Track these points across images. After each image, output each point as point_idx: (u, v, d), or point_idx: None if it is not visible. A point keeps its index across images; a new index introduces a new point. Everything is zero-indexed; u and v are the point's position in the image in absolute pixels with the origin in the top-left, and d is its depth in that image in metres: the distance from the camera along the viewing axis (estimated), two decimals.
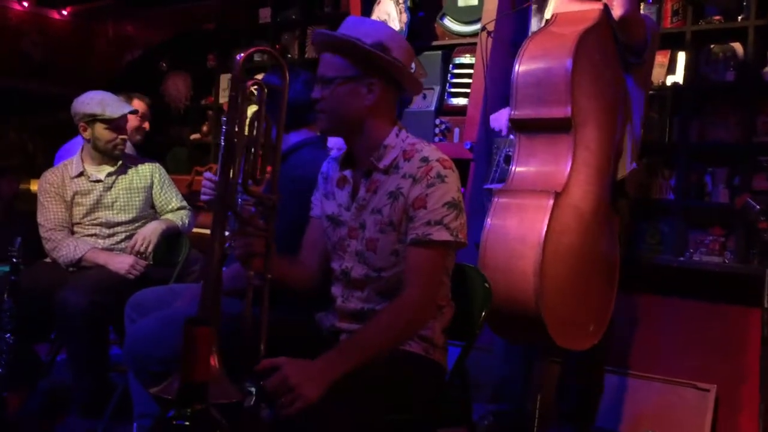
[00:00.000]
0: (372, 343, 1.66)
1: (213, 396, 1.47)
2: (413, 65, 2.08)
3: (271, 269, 1.68)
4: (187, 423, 0.92)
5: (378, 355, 1.65)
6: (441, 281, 1.80)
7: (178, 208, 3.21)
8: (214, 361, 1.52)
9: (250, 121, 1.66)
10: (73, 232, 3.03)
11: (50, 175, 3.07)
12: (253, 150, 1.67)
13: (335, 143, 2.78)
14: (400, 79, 1.84)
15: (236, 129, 1.61)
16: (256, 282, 1.66)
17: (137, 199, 3.11)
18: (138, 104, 3.62)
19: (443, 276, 1.81)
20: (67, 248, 2.94)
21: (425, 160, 1.76)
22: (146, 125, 3.72)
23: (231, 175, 1.62)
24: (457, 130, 3.27)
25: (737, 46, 3.18)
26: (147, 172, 3.18)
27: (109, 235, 3.05)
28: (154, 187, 3.18)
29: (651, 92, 3.20)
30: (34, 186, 4.58)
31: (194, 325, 0.89)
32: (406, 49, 1.85)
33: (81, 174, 3.06)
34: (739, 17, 3.15)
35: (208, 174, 2.54)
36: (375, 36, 1.79)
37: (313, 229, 1.98)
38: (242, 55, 1.65)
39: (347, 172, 1.89)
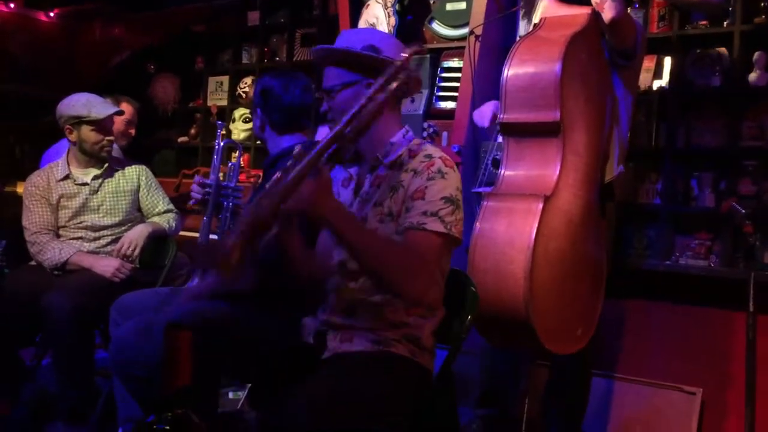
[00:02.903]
0: (370, 242, 1.66)
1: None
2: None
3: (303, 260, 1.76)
4: (168, 427, 0.92)
5: (363, 252, 1.64)
6: (433, 271, 1.76)
7: (165, 211, 3.19)
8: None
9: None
10: (58, 236, 3.01)
11: (36, 178, 3.05)
12: None
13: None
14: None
15: None
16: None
17: (123, 202, 3.09)
18: (126, 108, 3.58)
19: (436, 269, 1.78)
20: (52, 251, 2.91)
21: (429, 156, 1.81)
22: (132, 131, 3.67)
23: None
24: (445, 134, 3.28)
25: (723, 51, 3.20)
26: (133, 175, 3.16)
27: (95, 239, 3.02)
28: (141, 190, 3.16)
29: (638, 97, 3.21)
30: (20, 188, 4.54)
31: (175, 330, 0.88)
32: (398, 48, 1.87)
33: (67, 177, 3.03)
34: (725, 22, 3.17)
35: (198, 178, 2.53)
36: (366, 41, 1.85)
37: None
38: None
39: (353, 170, 1.93)
